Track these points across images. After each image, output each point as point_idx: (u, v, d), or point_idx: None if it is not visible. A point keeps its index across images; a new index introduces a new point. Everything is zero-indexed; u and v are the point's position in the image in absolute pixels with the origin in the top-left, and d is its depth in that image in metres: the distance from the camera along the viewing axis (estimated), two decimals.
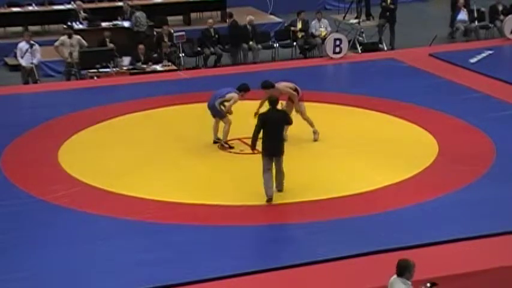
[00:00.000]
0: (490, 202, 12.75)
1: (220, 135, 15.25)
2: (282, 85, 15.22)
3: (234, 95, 15.06)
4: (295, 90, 15.24)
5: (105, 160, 14.73)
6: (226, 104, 15.05)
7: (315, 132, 15.50)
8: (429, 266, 9.42)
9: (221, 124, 15.23)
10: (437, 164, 14.31)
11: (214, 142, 15.30)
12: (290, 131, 15.34)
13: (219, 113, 15.10)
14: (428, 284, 9.00)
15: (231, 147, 15.11)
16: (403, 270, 8.90)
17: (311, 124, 15.46)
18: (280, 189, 13.15)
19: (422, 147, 15.11)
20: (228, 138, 15.31)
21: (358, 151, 14.94)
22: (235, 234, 11.86)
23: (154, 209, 12.69)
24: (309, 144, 15.32)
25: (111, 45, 21.09)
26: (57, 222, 12.36)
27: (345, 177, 13.87)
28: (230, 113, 15.08)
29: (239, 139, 15.38)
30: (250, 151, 14.98)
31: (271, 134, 12.95)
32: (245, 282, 10.64)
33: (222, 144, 15.13)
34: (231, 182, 13.82)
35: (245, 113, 15.41)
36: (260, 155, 15.01)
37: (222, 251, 11.37)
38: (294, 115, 14.82)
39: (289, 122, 13.52)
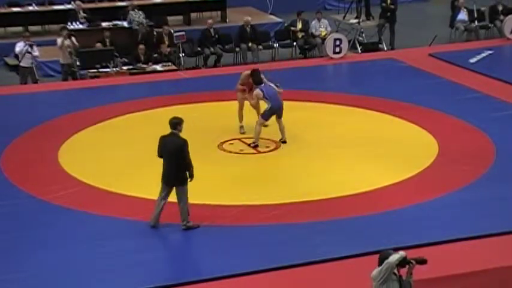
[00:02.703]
0: (490, 202, 12.75)
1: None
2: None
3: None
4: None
5: (105, 160, 14.73)
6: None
7: (241, 127, 15.74)
8: (429, 266, 9.41)
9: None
10: (437, 164, 14.31)
11: (283, 142, 15.24)
12: (289, 131, 15.36)
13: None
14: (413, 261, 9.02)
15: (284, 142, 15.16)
16: (381, 262, 8.93)
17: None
18: (184, 227, 11.87)
19: (422, 147, 15.11)
20: (228, 138, 15.37)
21: (358, 151, 14.93)
22: (235, 234, 11.86)
23: None
24: (308, 144, 15.32)
25: (98, 45, 21.17)
26: (57, 222, 12.35)
27: (345, 177, 13.86)
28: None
29: (239, 139, 15.39)
30: (250, 151, 15.06)
31: (166, 161, 11.97)
32: (245, 282, 10.64)
33: (283, 141, 15.16)
34: (231, 182, 13.82)
35: (245, 113, 15.42)
36: (259, 155, 15.05)
37: (221, 251, 11.37)
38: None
39: (184, 154, 11.93)
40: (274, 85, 15.16)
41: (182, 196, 11.90)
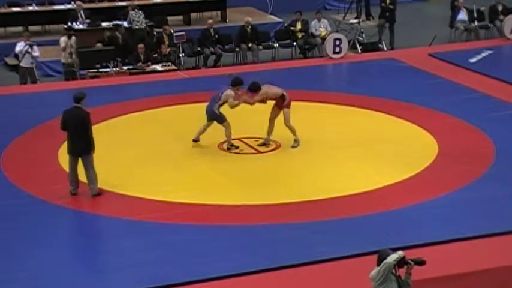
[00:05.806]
0: (490, 202, 12.75)
1: (216, 138, 15.15)
2: (270, 89, 14.99)
3: (228, 92, 14.77)
4: (282, 96, 14.94)
5: (105, 160, 14.68)
6: (229, 103, 14.78)
7: (295, 141, 15.16)
8: (429, 266, 9.41)
9: (208, 127, 15.17)
10: (437, 164, 14.31)
11: (194, 141, 15.18)
12: (289, 131, 15.34)
13: (219, 118, 14.86)
14: (412, 262, 9.03)
15: (236, 147, 14.99)
16: (379, 261, 8.95)
17: (293, 132, 15.11)
18: (93, 193, 12.98)
19: (422, 147, 15.12)
20: None
21: (358, 151, 14.94)
22: (235, 234, 11.86)
23: (154, 209, 12.69)
24: (308, 144, 15.31)
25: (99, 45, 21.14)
26: (57, 222, 12.36)
27: (345, 177, 13.87)
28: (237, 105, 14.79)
29: (239, 139, 15.39)
30: (250, 151, 15.07)
31: (73, 132, 12.95)
32: (245, 282, 10.64)
33: (228, 147, 14.91)
34: (231, 181, 13.82)
35: (245, 113, 15.42)
36: (259, 155, 15.05)
37: (221, 251, 11.36)
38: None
39: (87, 125, 12.96)
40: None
41: (88, 164, 12.87)
